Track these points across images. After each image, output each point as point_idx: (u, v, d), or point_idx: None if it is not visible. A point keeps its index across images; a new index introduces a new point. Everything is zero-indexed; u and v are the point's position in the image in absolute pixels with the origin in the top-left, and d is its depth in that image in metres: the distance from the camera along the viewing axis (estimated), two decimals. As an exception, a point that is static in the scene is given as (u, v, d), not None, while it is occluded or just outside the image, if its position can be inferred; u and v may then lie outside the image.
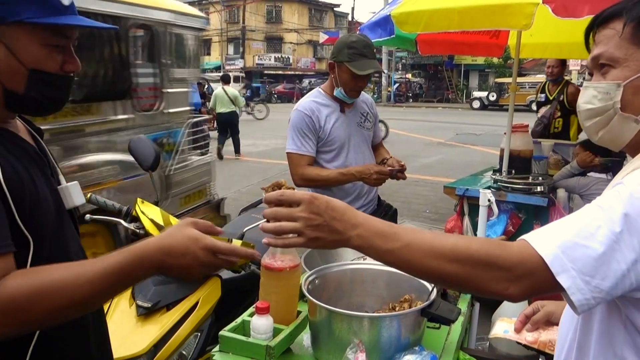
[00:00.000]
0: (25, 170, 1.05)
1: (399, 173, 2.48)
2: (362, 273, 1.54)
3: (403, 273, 1.51)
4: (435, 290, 1.33)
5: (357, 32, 2.81)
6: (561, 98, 5.31)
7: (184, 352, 1.85)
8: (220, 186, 8.52)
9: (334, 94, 2.54)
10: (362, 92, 2.72)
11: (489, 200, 1.69)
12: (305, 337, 1.41)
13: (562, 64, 5.42)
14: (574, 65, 19.32)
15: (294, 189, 1.26)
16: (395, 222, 2.67)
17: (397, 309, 1.40)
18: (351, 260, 1.78)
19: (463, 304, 1.61)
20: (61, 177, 1.23)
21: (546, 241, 0.82)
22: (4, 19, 0.99)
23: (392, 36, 4.09)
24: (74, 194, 1.21)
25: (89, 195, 2.03)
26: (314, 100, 2.58)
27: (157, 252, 0.99)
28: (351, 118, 2.61)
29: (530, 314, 1.25)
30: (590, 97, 0.97)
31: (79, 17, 1.10)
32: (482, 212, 1.72)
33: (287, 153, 2.56)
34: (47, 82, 1.08)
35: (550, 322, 1.23)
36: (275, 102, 36.40)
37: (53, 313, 0.95)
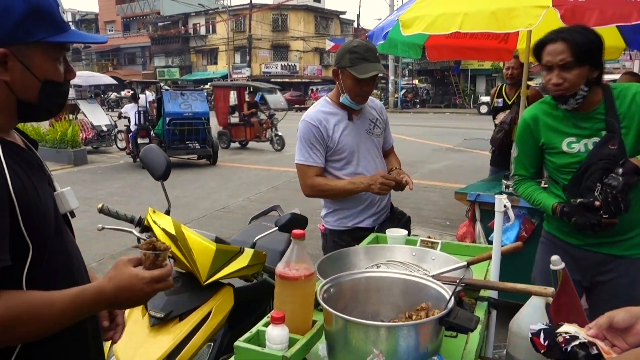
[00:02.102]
0: (29, 179, 1.14)
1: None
2: (377, 281, 1.51)
3: (419, 280, 1.51)
4: (453, 298, 1.30)
5: (363, 39, 2.79)
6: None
7: (197, 363, 1.83)
8: (229, 194, 8.57)
9: (340, 100, 2.53)
10: (371, 98, 2.70)
11: (504, 206, 1.67)
12: (321, 347, 1.39)
13: (522, 65, 4.78)
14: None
15: (168, 247, 1.28)
16: (409, 229, 2.65)
17: (413, 317, 1.38)
18: (365, 268, 1.77)
19: (480, 312, 1.58)
20: (56, 184, 1.30)
21: None
22: (22, 40, 1.11)
23: (383, 41, 4.04)
24: (69, 199, 1.29)
25: (100, 205, 2.04)
26: (321, 109, 2.57)
27: (113, 290, 1.14)
28: (360, 125, 2.58)
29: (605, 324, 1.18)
30: None
31: (76, 31, 1.23)
32: (498, 218, 1.69)
33: (295, 164, 2.55)
34: (56, 90, 1.21)
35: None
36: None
37: (26, 336, 1.09)
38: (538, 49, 2.09)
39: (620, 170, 1.97)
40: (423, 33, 3.77)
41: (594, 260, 1.91)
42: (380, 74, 2.43)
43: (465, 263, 1.72)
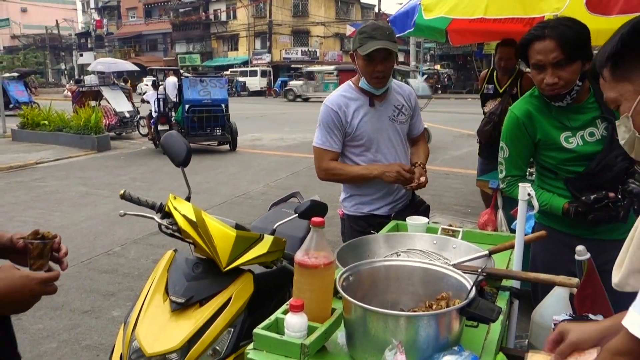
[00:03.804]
0: None
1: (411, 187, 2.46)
2: (397, 270, 1.50)
3: (439, 269, 1.49)
4: (474, 288, 1.28)
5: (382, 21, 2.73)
6: (514, 91, 4.49)
7: (217, 348, 1.84)
8: (249, 180, 8.61)
9: (360, 85, 2.50)
10: (399, 83, 2.65)
11: (528, 195, 1.63)
12: (340, 335, 1.39)
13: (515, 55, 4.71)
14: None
15: (55, 236, 1.34)
16: (427, 217, 2.61)
17: (434, 307, 1.36)
18: (385, 257, 1.76)
19: (502, 302, 1.55)
20: None
21: None
22: None
23: (411, 29, 4.01)
24: None
25: (122, 191, 2.06)
26: (343, 94, 2.54)
27: (2, 291, 1.14)
28: (382, 112, 2.54)
29: (558, 340, 1.19)
30: (622, 132, 1.12)
31: None
32: (522, 207, 1.65)
33: (313, 146, 2.56)
34: None
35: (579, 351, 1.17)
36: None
37: None
38: (524, 47, 1.98)
39: None
40: (445, 17, 3.70)
41: (594, 249, 1.81)
42: (387, 48, 2.31)
43: (487, 252, 1.69)
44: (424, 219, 2.15)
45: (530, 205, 1.72)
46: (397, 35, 2.77)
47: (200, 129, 11.41)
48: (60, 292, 4.15)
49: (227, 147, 12.07)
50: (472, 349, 1.28)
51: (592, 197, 1.97)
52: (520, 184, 1.67)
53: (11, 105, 14.44)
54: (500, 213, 3.56)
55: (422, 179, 2.46)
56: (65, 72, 55.73)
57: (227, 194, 7.54)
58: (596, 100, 2.01)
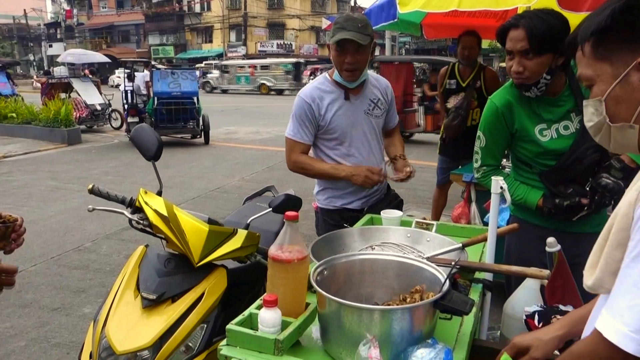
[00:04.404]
0: None
1: (400, 179, 2.46)
2: (371, 263, 1.50)
3: (413, 262, 1.49)
4: (447, 281, 1.29)
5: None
6: (478, 84, 4.42)
7: (190, 344, 1.82)
8: (224, 174, 8.53)
9: (334, 77, 2.49)
10: (376, 76, 2.64)
11: (501, 188, 1.65)
12: (314, 329, 1.38)
13: (478, 44, 4.45)
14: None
15: (16, 219, 1.47)
16: (401, 211, 2.63)
17: (407, 300, 1.36)
18: (359, 250, 1.76)
19: (475, 294, 1.57)
20: None
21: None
22: None
23: (395, 20, 4.04)
24: None
25: (91, 186, 2.00)
26: (318, 86, 2.52)
27: None
28: (357, 105, 2.52)
29: (513, 354, 1.22)
30: (590, 114, 1.04)
31: None
32: (495, 200, 1.67)
33: (285, 136, 2.55)
34: None
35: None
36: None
37: None
38: (502, 34, 2.00)
39: (620, 174, 1.92)
40: (420, 11, 3.71)
41: (567, 242, 1.84)
42: (353, 39, 2.27)
43: (460, 245, 1.71)
44: (398, 212, 2.16)
45: (502, 198, 1.74)
46: (373, 28, 2.76)
47: (169, 122, 11.28)
48: (29, 289, 4.05)
49: (201, 140, 11.94)
50: (446, 341, 1.29)
51: (565, 203, 2.01)
52: (492, 177, 1.68)
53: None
54: (473, 206, 3.60)
55: (408, 169, 2.48)
56: (34, 63, 54.25)
57: (201, 188, 7.46)
58: (571, 93, 2.03)
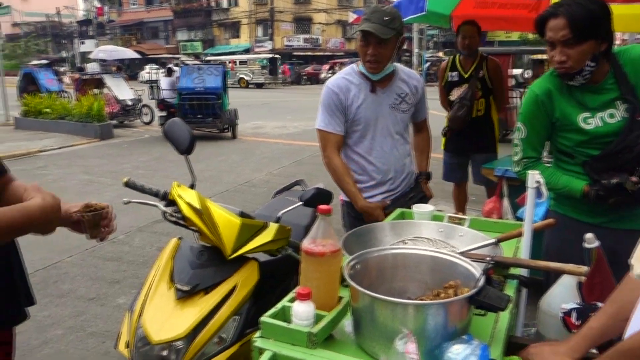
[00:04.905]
0: None
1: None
2: (404, 258, 1.49)
3: (447, 257, 1.48)
4: (483, 277, 1.27)
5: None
6: (480, 74, 4.32)
7: (223, 336, 1.84)
8: (252, 168, 8.60)
9: (359, 69, 2.48)
10: (408, 71, 2.61)
11: (537, 182, 1.61)
12: (347, 323, 1.38)
13: (478, 33, 4.32)
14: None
15: (103, 207, 1.51)
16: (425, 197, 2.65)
17: (441, 295, 1.35)
18: (391, 245, 1.75)
19: (510, 291, 1.54)
20: None
21: None
22: None
23: (423, 12, 3.99)
24: None
25: (126, 179, 2.04)
26: (345, 77, 2.52)
27: (40, 211, 1.22)
28: (383, 99, 2.50)
29: None
30: None
31: None
32: (531, 194, 1.63)
33: (316, 129, 2.55)
34: None
35: None
36: (304, 83, 36.28)
37: None
38: (540, 24, 1.95)
39: None
40: (451, 1, 3.66)
41: (608, 239, 1.78)
42: (372, 31, 2.26)
43: (494, 240, 1.68)
44: (429, 207, 2.13)
45: (538, 192, 1.70)
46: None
47: (193, 116, 11.45)
48: (66, 279, 4.17)
49: (229, 134, 12.07)
50: (480, 337, 1.27)
51: (613, 181, 1.93)
52: (528, 171, 1.65)
53: (42, 95, 14.21)
54: (505, 201, 3.54)
55: (428, 192, 2.65)
56: (68, 60, 55.53)
57: (229, 182, 7.53)
58: (616, 82, 1.97)
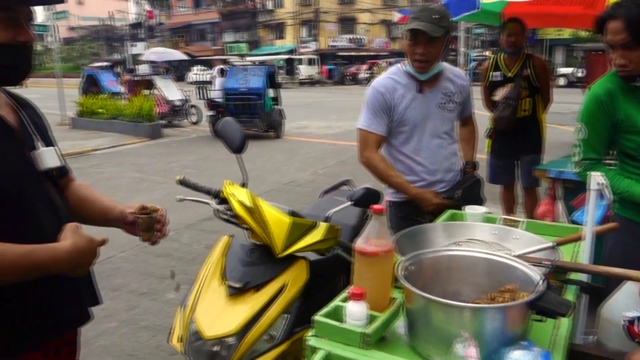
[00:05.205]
0: None
1: None
2: (459, 260, 1.46)
3: (504, 260, 1.44)
4: (543, 281, 1.23)
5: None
6: (526, 73, 4.20)
7: (273, 333, 1.86)
8: (297, 168, 8.65)
9: (406, 68, 2.45)
10: (454, 70, 2.59)
11: (599, 184, 1.55)
12: (400, 325, 1.36)
13: (523, 31, 4.19)
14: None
15: (157, 210, 1.50)
16: (478, 193, 2.62)
17: (497, 299, 1.31)
18: (443, 246, 1.72)
19: (570, 296, 1.49)
20: (37, 144, 1.37)
21: None
22: None
23: (476, 10, 3.91)
24: (46, 158, 1.36)
25: (181, 177, 2.09)
26: (391, 77, 2.50)
27: (66, 257, 1.21)
28: (430, 98, 2.48)
29: None
30: None
31: None
32: (592, 197, 1.57)
33: (357, 128, 2.53)
34: (2, 52, 1.22)
35: None
36: (348, 83, 36.25)
37: None
38: (599, 25, 1.88)
39: None
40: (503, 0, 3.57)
41: None
42: (423, 30, 2.23)
43: (552, 243, 1.63)
44: (482, 209, 2.09)
45: (601, 195, 1.63)
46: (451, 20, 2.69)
47: (236, 116, 11.65)
48: (119, 274, 4.31)
49: (273, 134, 12.20)
50: (539, 343, 1.23)
51: None
52: (590, 173, 1.59)
53: (103, 96, 14.83)
54: (560, 204, 3.42)
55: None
56: (119, 62, 57.49)
57: (274, 182, 7.61)
58: None
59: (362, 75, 36.93)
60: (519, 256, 1.55)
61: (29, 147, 1.35)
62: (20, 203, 1.27)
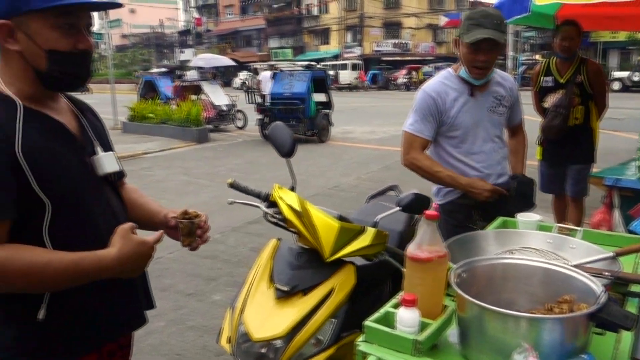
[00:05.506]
0: (46, 143, 1.25)
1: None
2: (514, 268, 1.42)
3: (562, 270, 1.39)
4: (605, 293, 1.18)
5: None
6: (579, 79, 3.98)
7: (320, 337, 1.85)
8: (341, 172, 8.66)
9: (459, 74, 2.42)
10: (502, 73, 2.55)
11: (665, 193, 1.47)
12: (451, 333, 1.34)
13: (579, 35, 3.98)
14: None
15: (199, 216, 1.52)
16: (530, 197, 2.57)
17: (555, 310, 1.27)
18: (496, 254, 1.68)
19: (632, 309, 1.42)
20: (97, 149, 1.41)
21: None
22: (19, 10, 1.19)
23: (528, 13, 3.82)
24: (105, 163, 1.41)
25: (231, 180, 2.13)
26: (442, 81, 2.48)
27: (113, 264, 1.24)
28: (482, 102, 2.46)
29: None
30: None
31: None
32: (658, 206, 1.50)
33: (403, 130, 2.51)
34: (63, 59, 1.25)
35: None
36: (392, 89, 36.03)
37: (21, 287, 1.18)
38: None
39: None
40: (558, 2, 3.46)
41: None
42: (494, 39, 2.22)
43: (612, 254, 1.56)
44: (536, 216, 2.03)
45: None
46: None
47: (280, 120, 11.74)
48: (167, 274, 4.42)
49: (317, 138, 12.26)
50: (600, 358, 1.19)
51: None
52: (655, 181, 1.51)
53: (161, 101, 15.27)
54: (616, 212, 3.29)
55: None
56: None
57: (319, 186, 7.63)
58: None
59: (401, 80, 36.72)
60: (576, 266, 1.50)
61: (89, 153, 1.39)
62: (79, 208, 1.31)
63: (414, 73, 36.44)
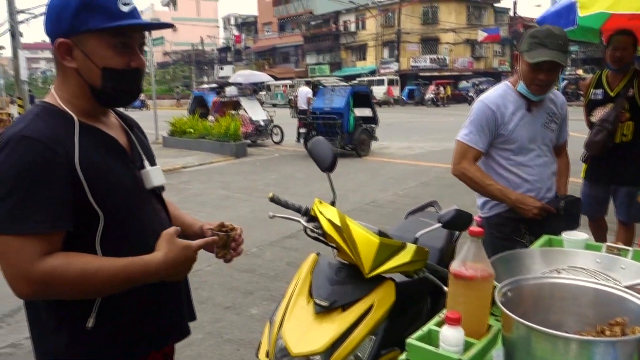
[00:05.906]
0: (101, 157, 1.30)
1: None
2: (562, 288, 1.37)
3: (613, 291, 1.34)
4: (662, 315, 1.13)
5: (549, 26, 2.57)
6: (630, 93, 3.74)
7: (359, 354, 1.83)
8: (378, 188, 8.62)
9: (517, 88, 2.42)
10: (555, 91, 2.58)
11: None
12: (496, 355, 1.30)
13: (633, 45, 3.72)
14: None
15: (234, 229, 1.54)
16: (577, 216, 2.53)
17: (606, 332, 1.22)
18: (542, 273, 1.63)
19: (690, 334, 1.35)
20: (145, 163, 1.46)
21: None
22: (77, 29, 1.25)
23: (574, 27, 3.75)
24: (153, 177, 1.46)
25: (271, 195, 2.15)
26: (501, 94, 2.49)
27: (160, 267, 1.28)
28: (537, 118, 2.48)
29: None
30: None
31: (137, 19, 1.30)
32: None
33: (456, 139, 2.51)
34: (117, 77, 1.30)
35: None
36: (429, 105, 35.74)
37: (74, 293, 1.23)
38: None
39: None
40: (604, 13, 3.38)
41: None
42: (558, 62, 2.24)
43: (667, 275, 1.49)
44: (583, 235, 1.96)
45: None
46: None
47: (319, 134, 11.82)
48: (205, 287, 4.47)
49: (355, 153, 12.27)
50: (656, 384, 1.13)
51: None
52: None
53: (210, 117, 15.63)
54: (667, 232, 3.15)
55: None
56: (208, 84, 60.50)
57: (356, 201, 7.61)
58: None
59: (428, 96, 36.51)
60: (629, 287, 1.44)
61: (139, 167, 1.45)
62: (130, 220, 1.36)
63: (441, 89, 36.19)
